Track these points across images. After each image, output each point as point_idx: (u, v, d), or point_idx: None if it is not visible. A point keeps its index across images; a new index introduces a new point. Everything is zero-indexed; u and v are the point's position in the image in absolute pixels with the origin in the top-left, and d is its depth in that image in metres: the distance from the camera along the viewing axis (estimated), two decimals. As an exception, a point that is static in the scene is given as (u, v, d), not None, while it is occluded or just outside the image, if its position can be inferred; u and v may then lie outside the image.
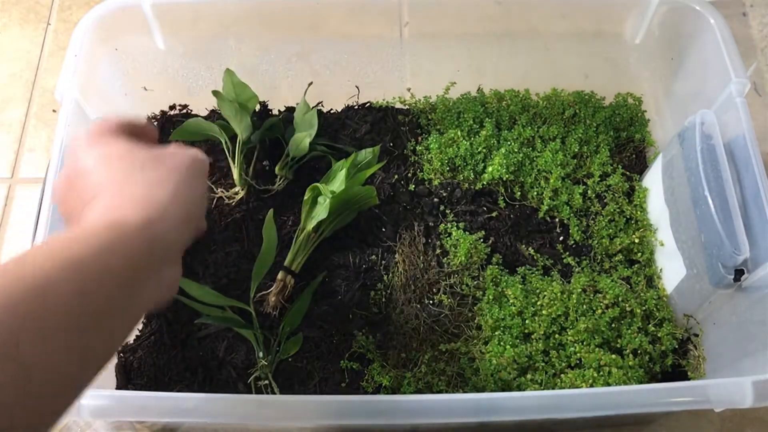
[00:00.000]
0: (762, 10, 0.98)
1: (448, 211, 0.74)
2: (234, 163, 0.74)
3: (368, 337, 0.66)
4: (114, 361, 0.67)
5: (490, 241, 0.72)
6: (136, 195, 0.41)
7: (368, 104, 0.83)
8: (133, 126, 0.49)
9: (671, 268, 0.69)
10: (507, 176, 0.74)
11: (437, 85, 0.81)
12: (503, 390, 0.62)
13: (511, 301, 0.66)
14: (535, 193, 0.75)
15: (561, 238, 0.74)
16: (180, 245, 0.44)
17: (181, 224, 0.43)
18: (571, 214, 0.74)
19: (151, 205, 0.41)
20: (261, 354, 0.65)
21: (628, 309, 0.66)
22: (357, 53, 0.81)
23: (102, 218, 0.40)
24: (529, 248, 0.72)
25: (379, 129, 0.80)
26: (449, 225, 0.73)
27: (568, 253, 0.72)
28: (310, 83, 0.77)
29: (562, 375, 0.63)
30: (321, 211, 0.68)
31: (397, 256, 0.71)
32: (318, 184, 0.68)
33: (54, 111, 0.94)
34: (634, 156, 0.80)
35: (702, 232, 0.62)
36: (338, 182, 0.70)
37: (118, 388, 0.66)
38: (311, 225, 0.68)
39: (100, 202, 0.41)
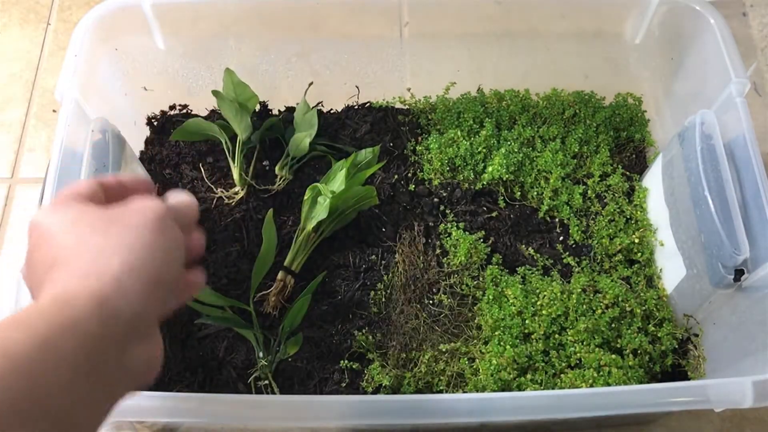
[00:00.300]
0: (762, 10, 0.98)
1: (448, 211, 0.74)
2: (234, 163, 0.74)
3: (368, 337, 0.66)
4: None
5: (490, 241, 0.72)
6: (84, 266, 0.36)
7: (368, 104, 0.83)
8: (113, 185, 0.43)
9: (671, 268, 0.69)
10: (507, 176, 0.74)
11: (437, 85, 0.81)
12: (503, 390, 0.62)
13: (511, 301, 0.66)
14: (535, 193, 0.75)
15: (561, 238, 0.74)
16: (150, 316, 0.38)
17: (145, 292, 0.37)
18: (571, 214, 0.74)
19: (100, 277, 0.35)
20: (261, 354, 0.65)
21: (628, 309, 0.66)
22: (357, 53, 0.81)
23: (50, 294, 0.35)
24: (529, 248, 0.72)
25: (379, 129, 0.80)
26: (449, 225, 0.73)
27: (568, 253, 0.72)
28: (311, 83, 0.77)
29: (562, 375, 0.63)
30: (321, 211, 0.68)
31: (397, 256, 0.71)
32: (318, 184, 0.69)
33: (54, 111, 0.94)
34: (634, 156, 0.80)
35: (702, 232, 0.62)
36: (338, 182, 0.70)
37: (118, 388, 0.65)
38: (311, 225, 0.68)
39: (53, 274, 0.37)
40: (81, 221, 0.39)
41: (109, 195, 0.42)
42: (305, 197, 0.70)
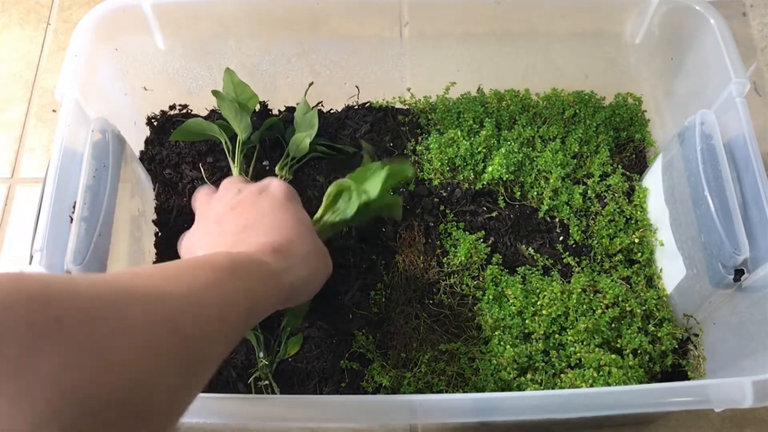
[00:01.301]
0: (762, 10, 0.98)
1: (448, 211, 0.74)
2: (234, 163, 0.74)
3: (368, 337, 0.66)
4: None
5: (490, 241, 0.72)
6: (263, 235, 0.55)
7: (368, 104, 0.83)
8: None
9: (671, 268, 0.69)
10: (507, 176, 0.74)
11: (437, 85, 0.81)
12: (503, 390, 0.62)
13: (511, 301, 0.66)
14: (535, 193, 0.75)
15: (561, 238, 0.74)
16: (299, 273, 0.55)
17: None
18: (571, 214, 0.74)
19: (273, 243, 0.54)
20: (261, 354, 0.65)
21: (628, 309, 0.66)
22: (357, 53, 0.81)
23: (245, 251, 0.52)
24: (529, 248, 0.72)
25: (379, 129, 0.80)
26: (449, 225, 0.73)
27: (568, 253, 0.72)
28: (311, 83, 0.77)
29: (562, 375, 0.63)
30: (346, 210, 0.62)
31: (397, 256, 0.71)
32: (351, 182, 0.61)
33: (54, 111, 0.94)
34: (634, 156, 0.80)
35: (702, 232, 0.62)
36: (374, 185, 0.62)
37: (118, 388, 0.65)
38: (332, 218, 0.63)
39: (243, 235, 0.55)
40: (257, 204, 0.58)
41: None
42: (329, 190, 0.63)
